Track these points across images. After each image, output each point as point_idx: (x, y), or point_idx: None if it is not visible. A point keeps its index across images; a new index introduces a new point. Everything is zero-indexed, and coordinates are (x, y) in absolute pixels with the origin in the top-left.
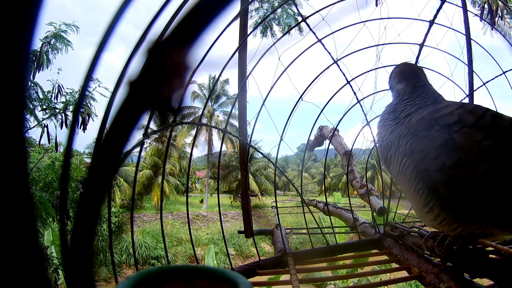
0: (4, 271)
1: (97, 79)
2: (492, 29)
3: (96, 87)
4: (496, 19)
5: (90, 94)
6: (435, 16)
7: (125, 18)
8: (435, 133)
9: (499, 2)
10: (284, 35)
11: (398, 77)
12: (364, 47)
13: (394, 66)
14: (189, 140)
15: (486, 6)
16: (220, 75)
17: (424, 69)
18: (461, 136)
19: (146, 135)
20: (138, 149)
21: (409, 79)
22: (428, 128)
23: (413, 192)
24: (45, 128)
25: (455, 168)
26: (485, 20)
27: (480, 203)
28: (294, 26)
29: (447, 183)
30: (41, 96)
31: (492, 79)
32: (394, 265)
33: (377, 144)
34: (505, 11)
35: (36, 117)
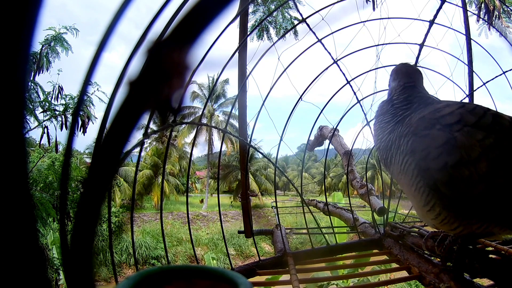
0: (4, 271)
1: (96, 83)
2: (489, 29)
3: (95, 91)
4: (493, 18)
5: (89, 98)
6: (435, 16)
7: (126, 17)
8: (436, 132)
9: (496, 2)
10: (283, 35)
11: (393, 75)
12: (364, 47)
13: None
14: (189, 140)
15: (483, 6)
16: (220, 75)
17: (424, 69)
18: (463, 135)
19: (146, 135)
20: (138, 149)
21: (401, 78)
22: (429, 127)
23: (414, 190)
24: (45, 129)
25: (457, 167)
26: (483, 19)
27: (482, 201)
28: (294, 27)
29: (449, 181)
30: (41, 97)
31: (492, 79)
32: (394, 265)
33: (375, 146)
34: (502, 10)
35: (36, 118)
